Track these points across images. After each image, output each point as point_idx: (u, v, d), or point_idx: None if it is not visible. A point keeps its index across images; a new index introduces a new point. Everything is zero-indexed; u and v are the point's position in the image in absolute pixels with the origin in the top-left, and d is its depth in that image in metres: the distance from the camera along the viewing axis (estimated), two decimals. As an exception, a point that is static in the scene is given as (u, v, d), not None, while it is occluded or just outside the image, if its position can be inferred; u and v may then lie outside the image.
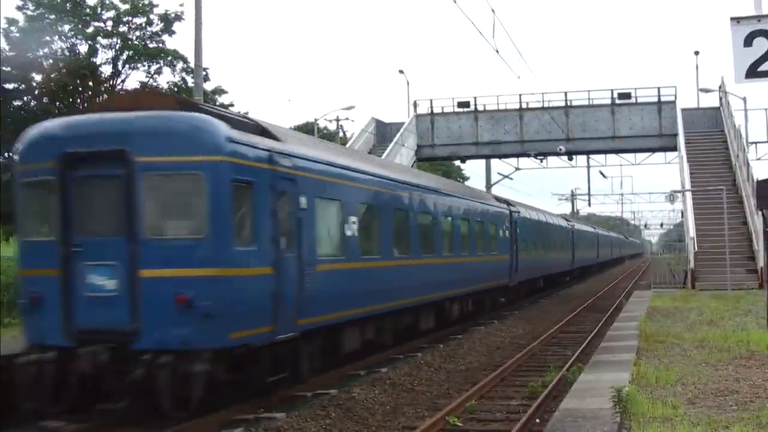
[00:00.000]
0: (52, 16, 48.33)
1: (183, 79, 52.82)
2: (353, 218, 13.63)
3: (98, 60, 50.40)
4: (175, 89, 53.10)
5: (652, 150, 37.14)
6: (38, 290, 10.00)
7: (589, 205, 76.00)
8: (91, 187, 9.98)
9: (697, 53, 43.84)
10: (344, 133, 57.85)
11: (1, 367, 10.72)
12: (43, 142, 10.43)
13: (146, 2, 50.46)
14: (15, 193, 10.82)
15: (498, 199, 28.32)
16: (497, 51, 19.91)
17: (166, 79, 60.78)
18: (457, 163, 53.43)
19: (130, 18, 50.61)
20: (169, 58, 51.81)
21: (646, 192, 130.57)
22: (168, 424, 9.97)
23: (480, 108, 37.33)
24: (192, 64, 33.42)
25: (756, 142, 34.47)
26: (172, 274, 9.53)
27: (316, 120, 50.02)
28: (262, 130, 11.52)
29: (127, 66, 51.70)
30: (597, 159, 41.54)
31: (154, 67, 52.57)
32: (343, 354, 13.82)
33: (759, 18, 9.41)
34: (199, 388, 9.25)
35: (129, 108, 10.36)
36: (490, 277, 23.63)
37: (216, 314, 9.48)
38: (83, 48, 50.29)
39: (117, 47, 50.63)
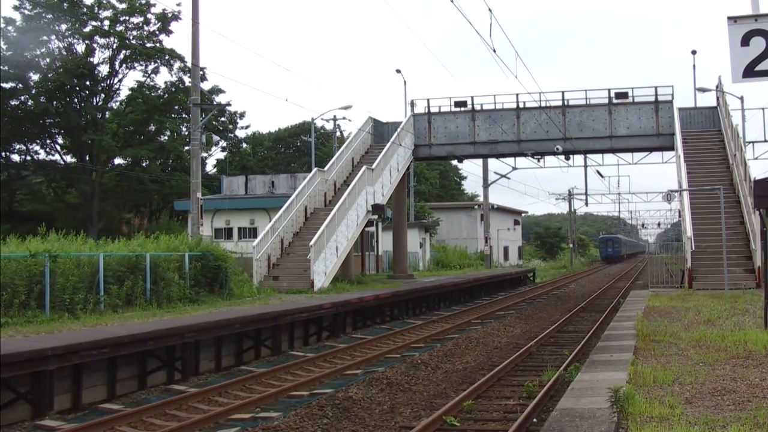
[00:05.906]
0: (50, 16, 48.24)
1: (180, 78, 52.82)
2: (622, 243, 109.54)
3: (95, 59, 50.43)
4: (173, 89, 53.10)
5: (650, 149, 37.04)
6: (604, 247, 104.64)
7: (587, 204, 76.36)
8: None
9: (694, 53, 43.89)
10: (341, 132, 57.83)
11: (1, 366, 10.94)
12: (605, 238, 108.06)
13: (143, 2, 50.39)
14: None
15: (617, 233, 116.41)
16: (494, 50, 19.89)
17: (163, 78, 60.07)
18: (454, 162, 53.45)
19: (127, 17, 50.54)
20: (166, 58, 51.73)
21: (644, 191, 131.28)
22: (167, 424, 10.09)
23: (477, 107, 37.29)
24: (189, 64, 33.38)
25: (753, 142, 34.50)
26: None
27: (313, 119, 50.08)
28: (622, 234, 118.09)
29: (124, 65, 51.69)
30: (594, 158, 41.49)
31: (151, 67, 52.58)
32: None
33: (756, 17, 9.41)
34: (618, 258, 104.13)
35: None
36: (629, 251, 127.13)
37: (621, 250, 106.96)
38: (80, 47, 50.26)
39: (114, 47, 50.58)
